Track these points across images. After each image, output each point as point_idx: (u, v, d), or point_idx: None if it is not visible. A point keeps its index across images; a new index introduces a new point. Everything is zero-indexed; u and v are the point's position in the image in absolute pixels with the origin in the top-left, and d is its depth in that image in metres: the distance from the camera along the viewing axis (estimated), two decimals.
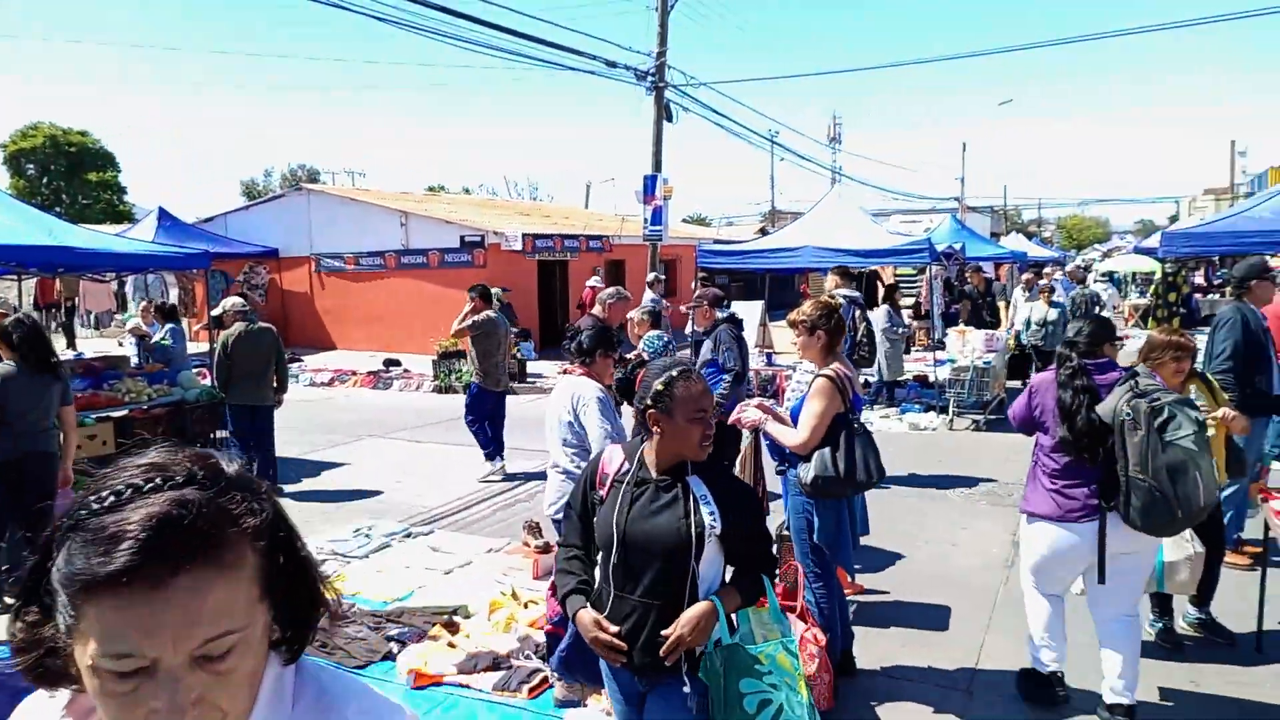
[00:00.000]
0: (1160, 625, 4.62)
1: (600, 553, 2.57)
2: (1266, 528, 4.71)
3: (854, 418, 4.07)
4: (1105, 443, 3.64)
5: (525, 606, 4.80)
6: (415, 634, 4.61)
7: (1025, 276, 13.72)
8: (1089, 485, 3.72)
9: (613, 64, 14.78)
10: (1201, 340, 5.83)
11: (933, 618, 5.08)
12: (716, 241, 18.37)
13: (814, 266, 13.65)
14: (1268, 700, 4.04)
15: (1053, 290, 12.68)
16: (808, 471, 3.98)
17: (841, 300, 8.62)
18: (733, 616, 2.49)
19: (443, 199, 29.62)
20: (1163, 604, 4.62)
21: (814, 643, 3.83)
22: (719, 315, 6.36)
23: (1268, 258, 8.72)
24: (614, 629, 2.43)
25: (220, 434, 8.48)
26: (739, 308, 11.53)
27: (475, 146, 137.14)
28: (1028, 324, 12.23)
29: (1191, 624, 4.70)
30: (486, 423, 8.66)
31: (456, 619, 4.78)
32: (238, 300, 8.03)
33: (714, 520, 2.42)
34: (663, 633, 2.38)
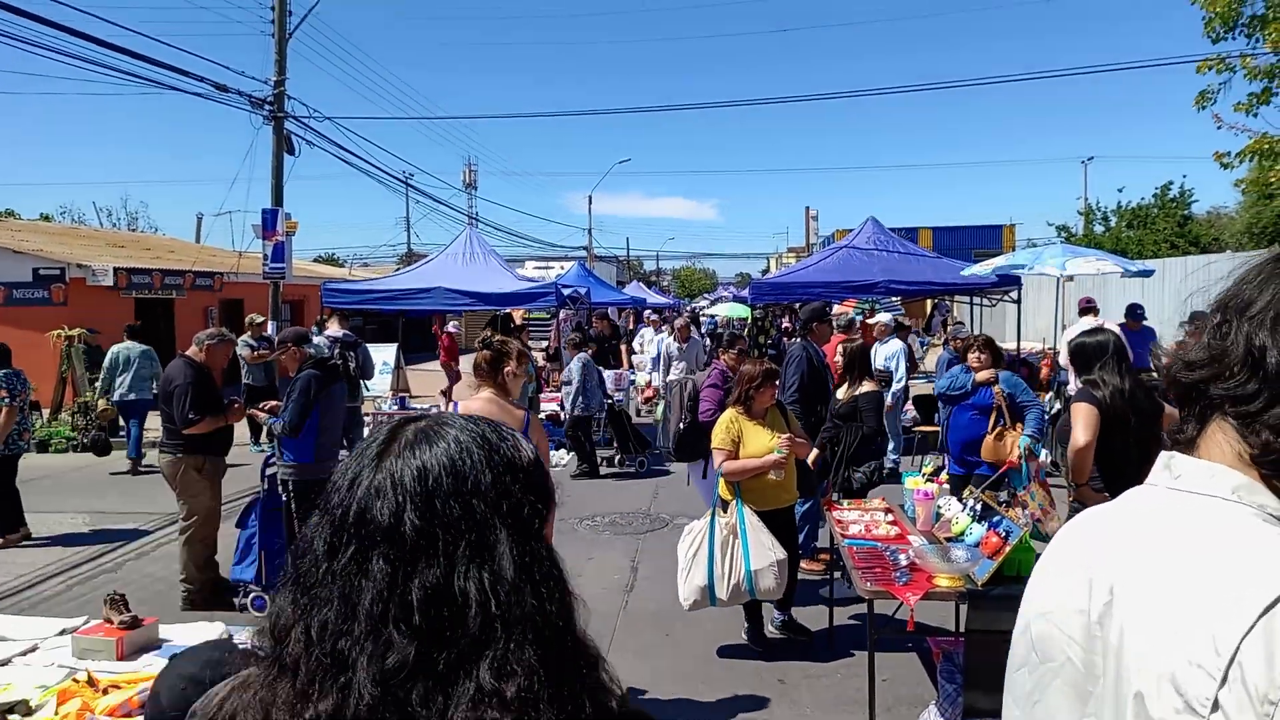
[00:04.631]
0: (750, 629, 5.16)
1: None
2: (833, 538, 5.47)
3: None
4: None
5: (105, 693, 4.13)
6: None
7: (676, 323, 14.65)
8: None
9: (224, 88, 13.62)
10: None
11: None
12: (347, 281, 17.59)
13: (445, 308, 13.63)
14: (840, 688, 4.65)
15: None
16: None
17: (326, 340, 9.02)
18: None
19: (9, 225, 25.23)
20: (752, 611, 5.16)
21: None
22: (310, 352, 5.92)
23: (831, 304, 10.34)
24: None
25: None
26: (374, 350, 11.08)
27: (57, 168, 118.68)
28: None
29: (777, 627, 5.31)
30: None
31: (13, 718, 3.99)
32: None
33: None
34: None
